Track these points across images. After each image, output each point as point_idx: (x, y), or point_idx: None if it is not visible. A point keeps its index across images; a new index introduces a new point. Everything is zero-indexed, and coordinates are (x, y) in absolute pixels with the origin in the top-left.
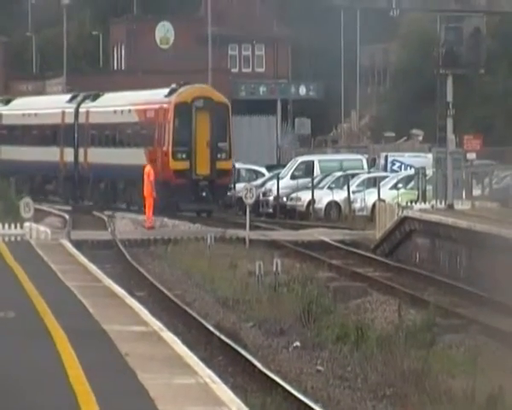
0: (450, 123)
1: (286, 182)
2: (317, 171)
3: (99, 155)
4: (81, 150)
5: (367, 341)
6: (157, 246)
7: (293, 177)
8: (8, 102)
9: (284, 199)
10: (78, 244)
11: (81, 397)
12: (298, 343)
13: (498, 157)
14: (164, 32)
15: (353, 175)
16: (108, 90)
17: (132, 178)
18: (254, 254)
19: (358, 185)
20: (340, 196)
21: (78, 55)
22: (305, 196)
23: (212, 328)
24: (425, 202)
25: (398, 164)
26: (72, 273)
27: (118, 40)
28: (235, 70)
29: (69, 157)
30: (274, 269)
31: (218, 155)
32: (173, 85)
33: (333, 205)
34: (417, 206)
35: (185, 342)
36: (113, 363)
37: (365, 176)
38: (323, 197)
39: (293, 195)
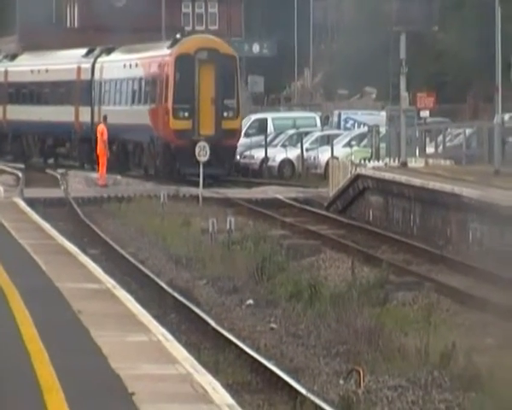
0: (403, 81)
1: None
2: (270, 129)
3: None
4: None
5: (320, 298)
6: (110, 204)
7: (246, 134)
8: (13, 57)
9: (238, 157)
10: (31, 202)
11: (34, 356)
12: (251, 301)
13: (451, 115)
14: None
15: (307, 133)
16: (61, 47)
17: (140, 140)
18: (208, 212)
19: (312, 143)
20: (293, 153)
21: (31, 13)
22: (259, 154)
23: (165, 286)
24: (378, 160)
25: (351, 122)
26: (25, 231)
27: None
28: (188, 28)
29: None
30: (227, 227)
31: (225, 114)
32: (177, 36)
33: (286, 163)
34: (371, 164)
35: (138, 299)
36: (66, 321)
37: (318, 134)
38: (277, 155)
39: (247, 153)
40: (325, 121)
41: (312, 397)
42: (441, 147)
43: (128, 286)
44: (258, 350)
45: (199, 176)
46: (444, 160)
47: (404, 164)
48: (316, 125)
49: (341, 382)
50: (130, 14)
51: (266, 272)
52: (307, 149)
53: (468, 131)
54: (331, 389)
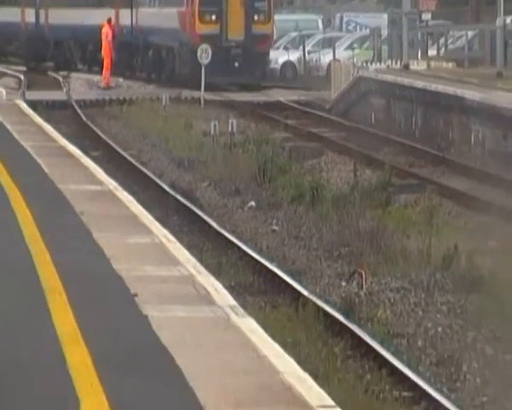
0: None
1: None
2: None
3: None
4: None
5: (322, 201)
6: (112, 107)
7: None
8: None
9: None
10: (34, 105)
11: (36, 256)
12: (253, 203)
13: (453, 18)
14: None
15: (309, 35)
16: None
17: (170, 45)
18: (209, 114)
19: (314, 46)
20: (295, 56)
21: None
22: None
23: (167, 188)
24: (380, 63)
25: (353, 24)
26: (28, 133)
27: None
28: None
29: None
30: (229, 129)
31: (255, 17)
32: None
33: (288, 65)
34: (373, 66)
35: (140, 201)
36: (68, 221)
37: (321, 36)
38: (279, 57)
39: None
40: (327, 24)
41: (314, 299)
42: (443, 49)
43: (130, 188)
44: (260, 252)
45: (227, 84)
46: (446, 62)
47: (406, 66)
48: (318, 28)
49: (344, 284)
50: None
51: (268, 174)
52: (309, 52)
53: (470, 33)
54: (333, 291)
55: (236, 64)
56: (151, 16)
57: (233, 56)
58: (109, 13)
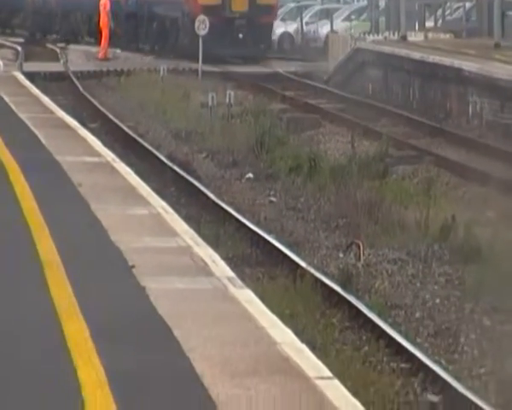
0: None
1: None
2: None
3: None
4: None
5: (320, 172)
6: (110, 78)
7: None
8: None
9: None
10: (31, 76)
11: (34, 229)
12: (251, 175)
13: None
14: None
15: (306, 6)
16: None
17: (174, 15)
18: (207, 85)
19: (311, 17)
20: (292, 27)
21: None
22: None
23: (164, 159)
24: (378, 34)
25: None
26: (25, 105)
27: None
28: None
29: None
30: (227, 101)
31: None
32: None
33: (286, 36)
34: (370, 37)
35: (138, 172)
36: (66, 193)
37: (318, 7)
38: (276, 28)
39: None
40: None
41: (312, 270)
42: (441, 21)
43: (128, 160)
44: (258, 224)
45: (231, 56)
46: (443, 33)
47: (404, 38)
48: None
49: (341, 255)
50: None
51: (266, 145)
52: (307, 23)
53: (467, 4)
54: (331, 263)
55: (240, 35)
56: None
57: (237, 28)
58: None
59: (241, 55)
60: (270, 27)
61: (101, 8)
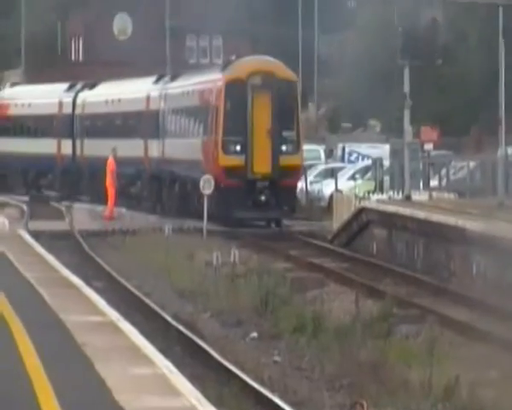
0: (407, 114)
1: None
2: None
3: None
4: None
5: (324, 332)
6: (115, 237)
7: None
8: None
9: None
10: (36, 235)
11: (38, 388)
12: (255, 334)
13: (455, 148)
14: (122, 23)
15: (311, 166)
16: (66, 80)
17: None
18: (212, 244)
19: (316, 176)
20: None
21: (37, 46)
22: None
23: (169, 318)
24: (382, 193)
25: (355, 155)
26: (30, 264)
27: (76, 32)
28: (193, 61)
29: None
30: (231, 260)
31: (283, 148)
32: (232, 57)
33: None
34: (374, 197)
35: (142, 332)
36: (70, 353)
37: (323, 167)
38: None
39: None
40: (329, 154)
41: None
42: (445, 180)
43: (132, 319)
44: (262, 383)
45: (254, 219)
46: (448, 193)
47: (408, 197)
48: (320, 158)
49: None
50: (134, 48)
51: (270, 305)
52: (311, 182)
53: (471, 164)
54: None
55: (263, 198)
56: (177, 147)
57: (259, 190)
58: (139, 143)
59: (265, 218)
60: (293, 189)
61: (107, 167)
